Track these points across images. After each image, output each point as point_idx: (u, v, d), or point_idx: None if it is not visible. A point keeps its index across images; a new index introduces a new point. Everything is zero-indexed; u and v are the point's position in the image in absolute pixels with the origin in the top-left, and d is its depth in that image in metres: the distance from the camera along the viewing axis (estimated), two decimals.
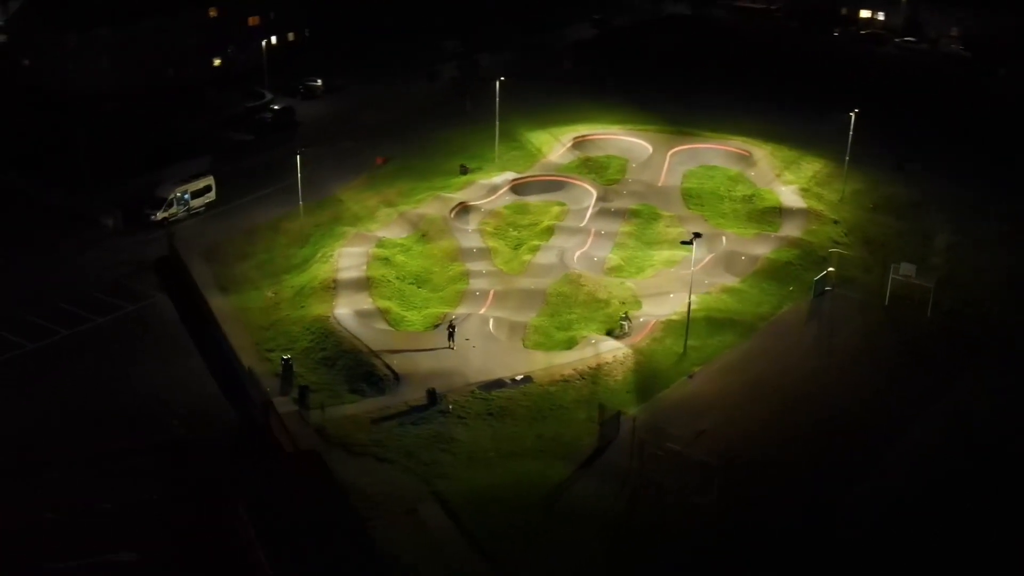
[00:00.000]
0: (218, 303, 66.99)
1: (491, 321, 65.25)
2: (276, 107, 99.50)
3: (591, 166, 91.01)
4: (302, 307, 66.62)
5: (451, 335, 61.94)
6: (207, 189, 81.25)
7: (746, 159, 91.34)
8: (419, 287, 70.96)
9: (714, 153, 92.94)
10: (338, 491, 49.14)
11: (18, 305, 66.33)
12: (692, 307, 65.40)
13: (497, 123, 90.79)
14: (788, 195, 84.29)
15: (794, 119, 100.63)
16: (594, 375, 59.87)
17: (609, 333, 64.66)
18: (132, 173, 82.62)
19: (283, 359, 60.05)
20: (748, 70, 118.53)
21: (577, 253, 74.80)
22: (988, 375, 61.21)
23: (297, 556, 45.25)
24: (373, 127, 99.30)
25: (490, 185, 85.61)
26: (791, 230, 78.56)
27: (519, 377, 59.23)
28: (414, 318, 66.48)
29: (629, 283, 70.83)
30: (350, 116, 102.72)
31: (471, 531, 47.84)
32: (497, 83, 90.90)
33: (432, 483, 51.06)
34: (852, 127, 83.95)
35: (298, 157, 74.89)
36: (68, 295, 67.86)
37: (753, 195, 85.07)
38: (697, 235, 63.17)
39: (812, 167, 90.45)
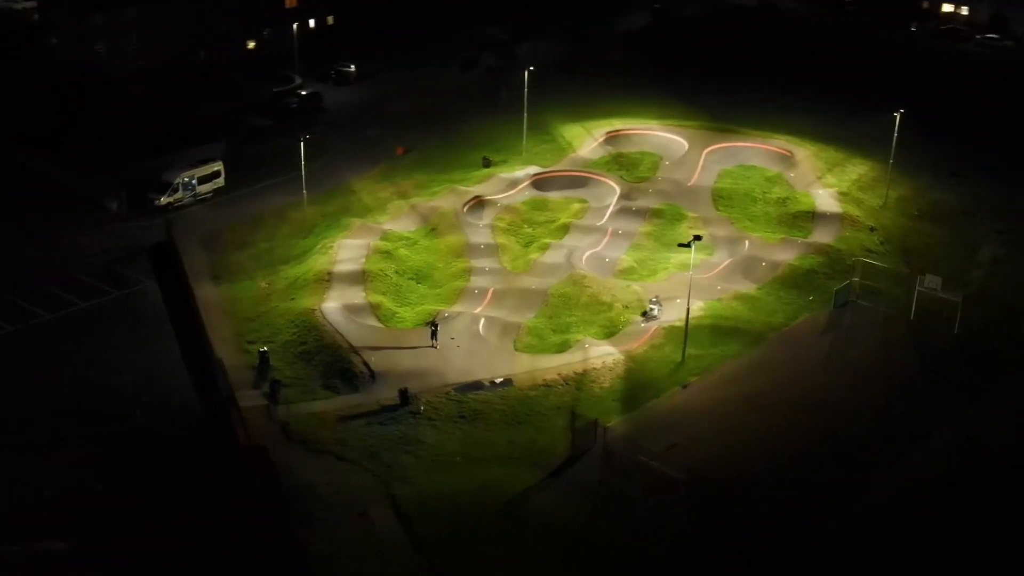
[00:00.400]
0: (207, 292, 65.62)
1: (482, 321, 62.57)
2: (303, 92, 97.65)
3: (622, 162, 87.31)
4: (292, 299, 64.84)
5: (434, 334, 59.47)
6: (215, 175, 79.83)
7: (787, 159, 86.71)
8: (418, 283, 68.60)
9: (754, 152, 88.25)
10: (279, 490, 47.13)
11: (6, 286, 65.59)
12: (699, 314, 62.12)
13: (525, 114, 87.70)
14: (824, 199, 79.48)
15: (850, 118, 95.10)
16: (579, 381, 56.85)
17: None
18: (143, 156, 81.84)
19: (260, 351, 58.43)
20: (810, 65, 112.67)
21: (587, 253, 71.51)
22: (1009, 398, 56.38)
23: (222, 555, 43.49)
24: (401, 115, 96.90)
25: (511, 179, 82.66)
26: (822, 236, 73.97)
27: (499, 380, 56.55)
28: (406, 315, 64.13)
29: (636, 286, 67.27)
30: (380, 103, 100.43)
31: (420, 536, 45.53)
32: (526, 73, 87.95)
33: (391, 486, 48.84)
34: (897, 128, 78.84)
35: (302, 145, 73.09)
36: (58, 278, 66.99)
37: (787, 198, 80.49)
38: (697, 237, 59.61)
39: (857, 170, 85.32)
